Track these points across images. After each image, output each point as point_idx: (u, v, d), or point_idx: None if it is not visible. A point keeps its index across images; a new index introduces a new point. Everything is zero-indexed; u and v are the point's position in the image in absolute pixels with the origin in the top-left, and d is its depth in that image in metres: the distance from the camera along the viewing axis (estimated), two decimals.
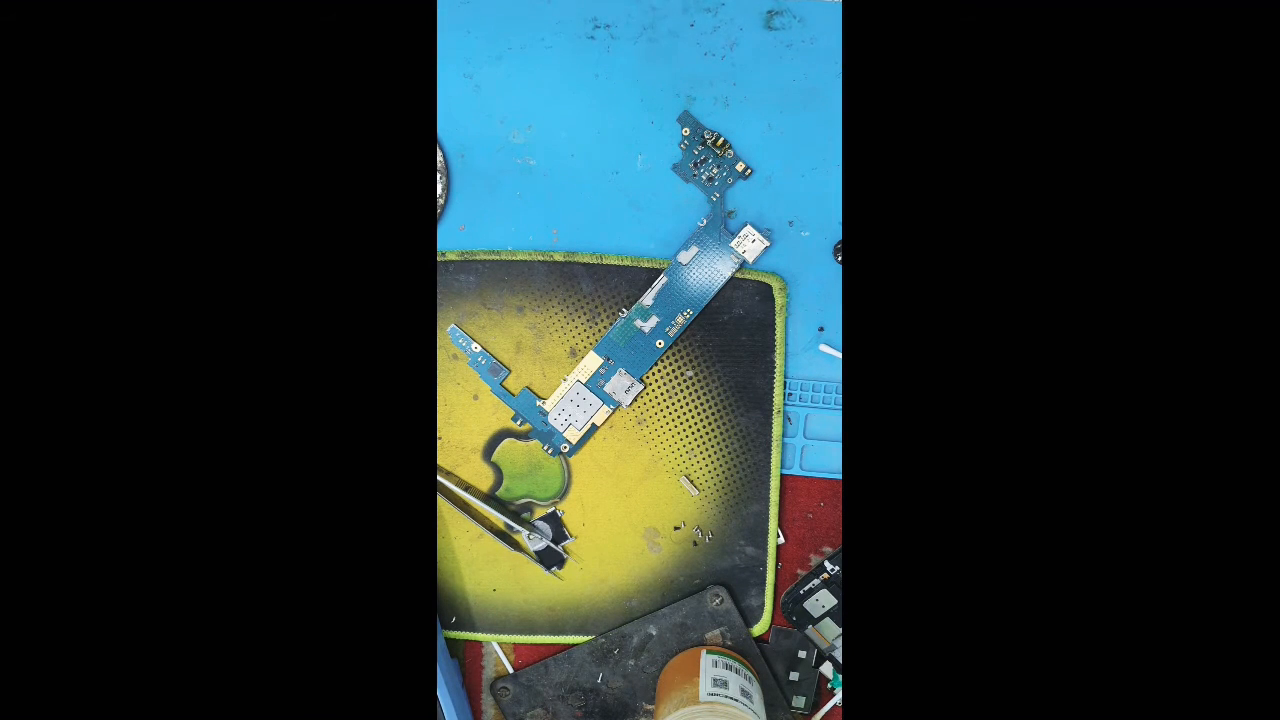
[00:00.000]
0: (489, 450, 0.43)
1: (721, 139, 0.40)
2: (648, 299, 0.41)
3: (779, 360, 0.41)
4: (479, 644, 0.44)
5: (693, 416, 0.42)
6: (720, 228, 0.41)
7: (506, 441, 0.43)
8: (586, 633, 0.44)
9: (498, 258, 0.41)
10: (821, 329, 0.42)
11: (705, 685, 0.39)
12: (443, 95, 0.41)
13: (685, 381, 0.42)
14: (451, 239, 0.42)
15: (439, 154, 0.41)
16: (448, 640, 0.44)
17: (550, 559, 0.43)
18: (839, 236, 0.41)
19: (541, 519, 0.43)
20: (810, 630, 0.43)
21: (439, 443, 0.43)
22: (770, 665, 0.43)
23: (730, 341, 0.42)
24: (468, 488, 0.43)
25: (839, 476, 0.42)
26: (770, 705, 0.43)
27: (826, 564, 0.43)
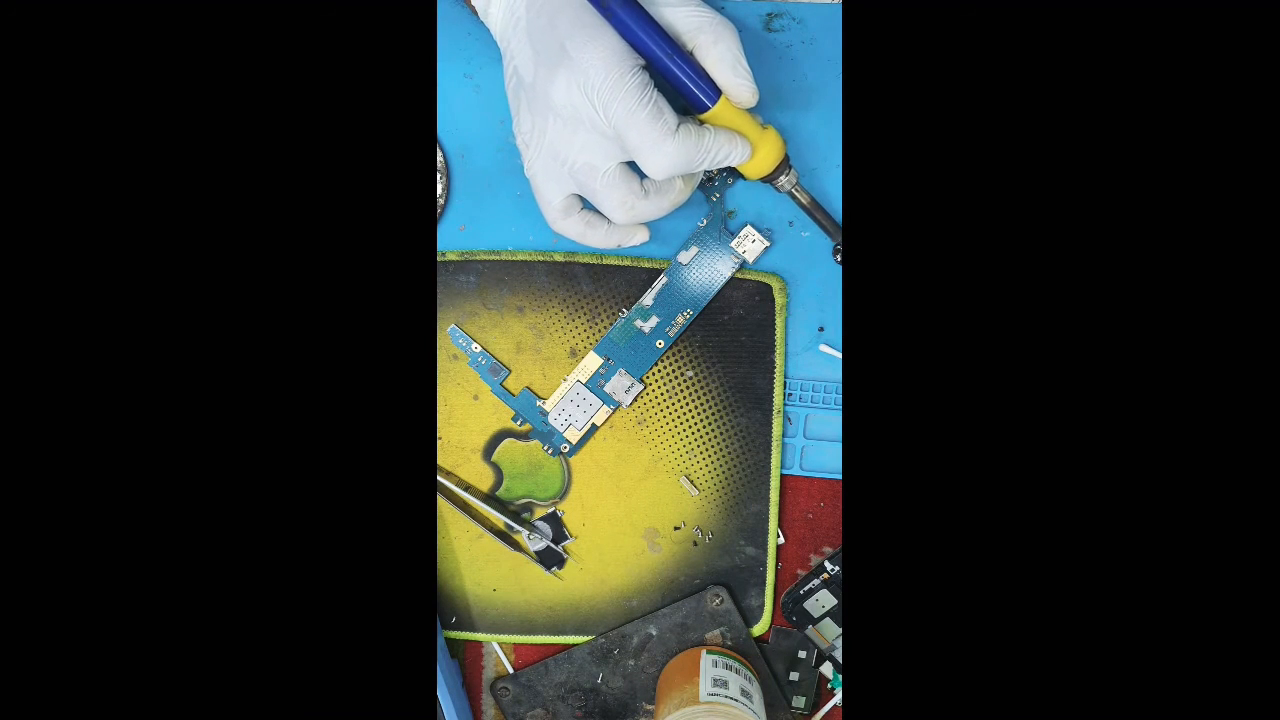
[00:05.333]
0: (489, 450, 0.43)
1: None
2: (648, 299, 0.41)
3: (779, 360, 0.41)
4: (479, 644, 0.44)
5: (693, 416, 0.42)
6: (720, 228, 0.41)
7: (506, 441, 0.43)
8: (586, 633, 0.44)
9: (498, 258, 0.41)
10: (821, 329, 0.42)
11: (705, 685, 0.39)
12: (443, 95, 0.41)
13: (685, 381, 0.42)
14: (451, 239, 0.42)
15: (439, 154, 0.41)
16: (448, 640, 0.44)
17: (550, 559, 0.43)
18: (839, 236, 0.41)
19: (541, 519, 0.43)
20: (810, 630, 0.43)
21: (439, 443, 0.43)
22: (770, 665, 0.43)
23: (730, 341, 0.42)
24: (468, 488, 0.43)
25: (839, 476, 0.42)
26: (770, 705, 0.43)
27: (826, 564, 0.43)
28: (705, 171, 0.41)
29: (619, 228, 0.38)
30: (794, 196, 0.39)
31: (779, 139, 0.37)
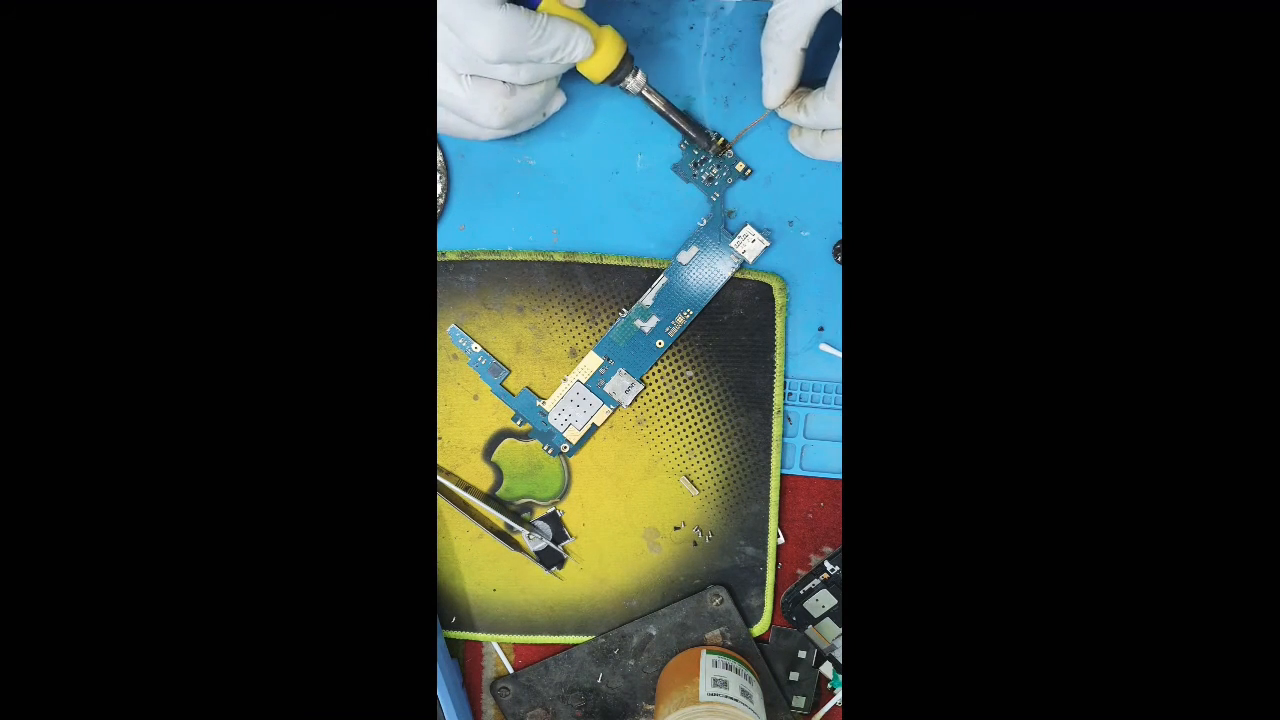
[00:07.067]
0: (489, 450, 0.43)
1: (722, 139, 0.40)
2: (648, 299, 0.41)
3: (779, 360, 0.41)
4: (479, 644, 0.44)
5: (693, 416, 0.42)
6: (720, 228, 0.41)
7: (506, 441, 0.43)
8: (586, 633, 0.44)
9: (498, 258, 0.41)
10: (821, 329, 0.42)
11: (705, 685, 0.39)
12: None
13: (685, 381, 0.42)
14: (451, 239, 0.42)
15: (439, 154, 0.41)
16: (448, 640, 0.44)
17: (550, 559, 0.43)
18: (839, 236, 0.41)
19: (541, 519, 0.43)
20: (810, 630, 0.43)
21: (439, 443, 0.43)
22: (770, 665, 0.43)
23: (730, 341, 0.42)
24: (468, 488, 0.43)
25: (839, 476, 0.42)
26: (770, 705, 0.43)
27: (826, 564, 0.43)
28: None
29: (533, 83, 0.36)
30: (645, 99, 0.38)
31: (619, 36, 0.36)
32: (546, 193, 0.41)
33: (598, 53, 0.36)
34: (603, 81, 0.37)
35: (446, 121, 0.36)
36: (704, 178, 0.41)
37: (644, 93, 0.38)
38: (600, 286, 0.41)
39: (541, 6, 0.34)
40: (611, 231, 0.41)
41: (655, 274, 0.41)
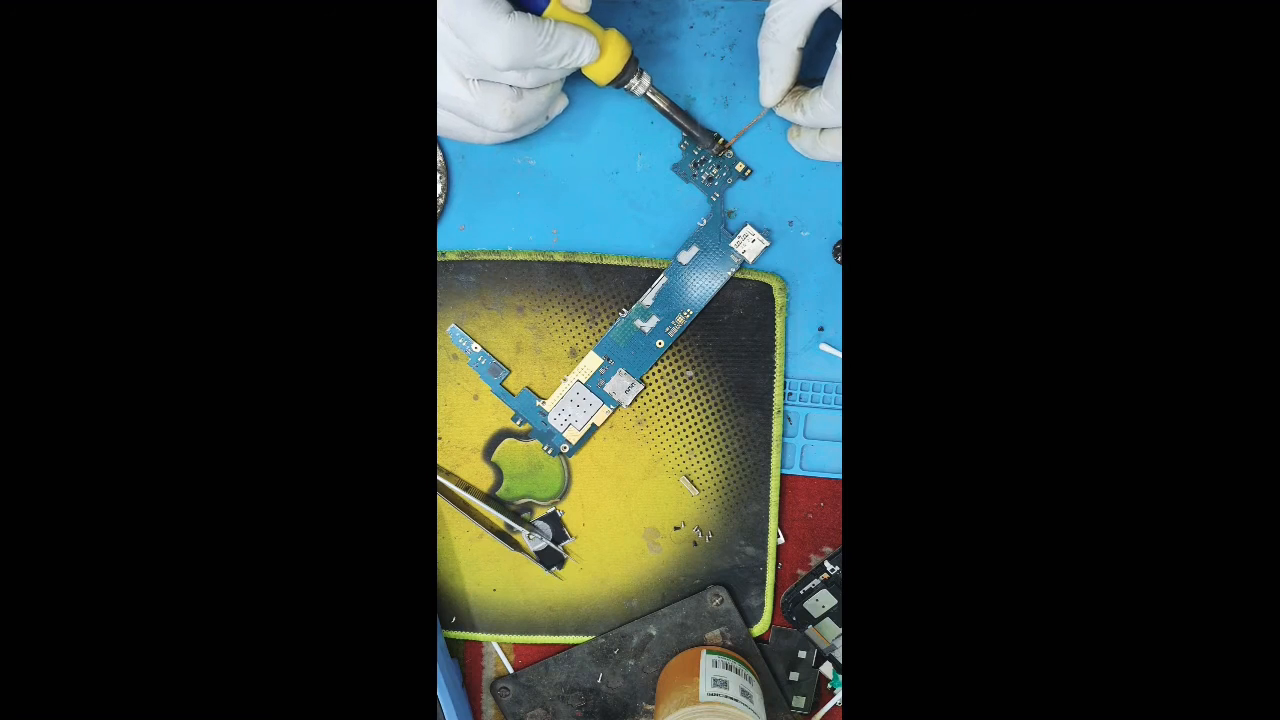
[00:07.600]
0: (489, 450, 0.43)
1: (721, 139, 0.40)
2: (648, 299, 0.41)
3: (779, 360, 0.41)
4: (479, 644, 0.44)
5: (693, 416, 0.42)
6: (720, 228, 0.41)
7: (506, 441, 0.43)
8: (586, 633, 0.44)
9: (498, 258, 0.41)
10: (821, 329, 0.42)
11: (705, 685, 0.39)
12: None
13: (685, 381, 0.42)
14: (451, 239, 0.42)
15: (439, 154, 0.41)
16: (448, 640, 0.44)
17: (550, 559, 0.43)
18: (839, 236, 0.41)
19: (541, 519, 0.43)
20: (810, 630, 0.43)
21: (439, 443, 0.43)
22: (770, 665, 0.43)
23: (730, 341, 0.42)
24: (468, 488, 0.43)
25: (839, 476, 0.42)
26: (770, 705, 0.43)
27: (826, 564, 0.43)
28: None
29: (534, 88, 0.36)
30: (650, 100, 0.39)
31: (624, 39, 0.37)
32: (546, 193, 0.41)
33: (603, 56, 0.36)
34: (608, 84, 0.37)
35: (453, 125, 0.37)
36: (704, 178, 0.41)
37: (649, 94, 0.38)
38: (600, 286, 0.41)
39: (548, 12, 0.35)
40: (611, 231, 0.41)
41: (655, 274, 0.41)
